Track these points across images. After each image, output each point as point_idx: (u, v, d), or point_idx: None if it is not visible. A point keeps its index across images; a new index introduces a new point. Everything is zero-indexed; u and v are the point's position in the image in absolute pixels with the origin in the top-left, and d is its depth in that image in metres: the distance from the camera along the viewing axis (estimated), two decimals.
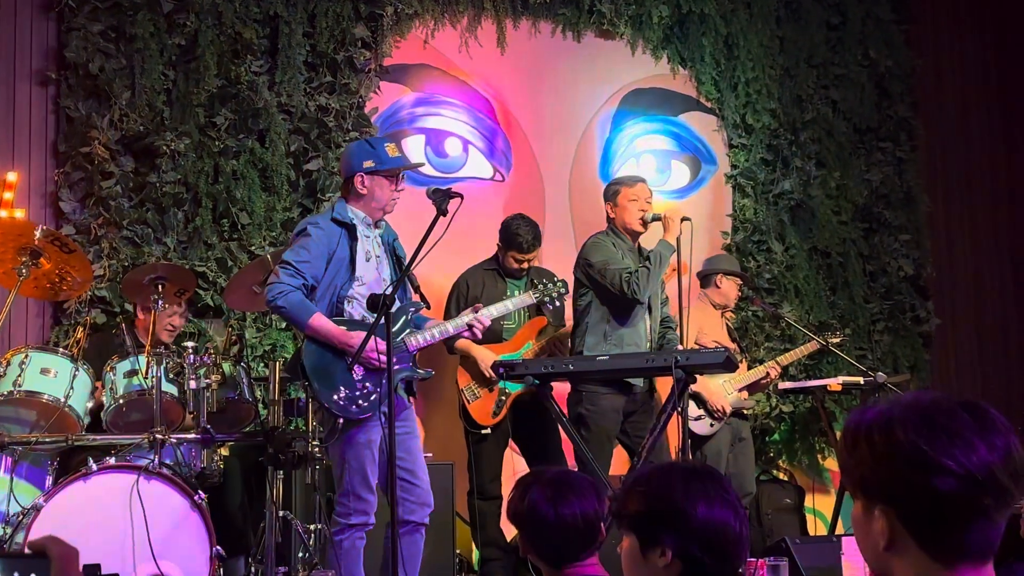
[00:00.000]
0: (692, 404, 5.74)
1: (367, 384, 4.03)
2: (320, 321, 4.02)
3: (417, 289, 4.22)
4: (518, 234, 5.53)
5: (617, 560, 2.12)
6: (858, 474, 1.39)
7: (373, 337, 3.83)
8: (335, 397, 4.01)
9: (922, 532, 1.35)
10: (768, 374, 6.06)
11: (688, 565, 1.97)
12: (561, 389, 5.82)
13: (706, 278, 6.17)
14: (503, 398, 5.45)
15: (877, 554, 1.39)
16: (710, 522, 1.97)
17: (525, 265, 5.60)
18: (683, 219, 5.09)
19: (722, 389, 5.86)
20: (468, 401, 5.45)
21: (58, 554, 1.38)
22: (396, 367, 4.00)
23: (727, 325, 6.21)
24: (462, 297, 5.57)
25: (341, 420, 4.02)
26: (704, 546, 1.96)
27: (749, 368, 6.12)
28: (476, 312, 4.32)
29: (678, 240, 5.04)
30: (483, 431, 5.43)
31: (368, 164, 4.20)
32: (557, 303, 4.94)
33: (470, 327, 4.27)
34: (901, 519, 1.36)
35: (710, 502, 1.99)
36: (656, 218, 5.16)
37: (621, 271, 5.02)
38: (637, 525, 2.02)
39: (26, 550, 1.41)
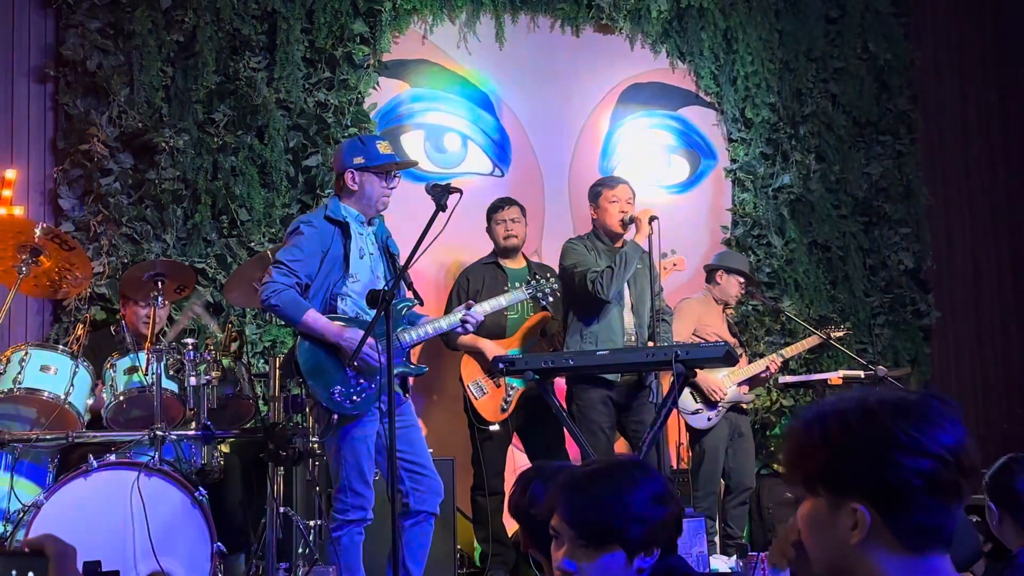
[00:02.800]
0: (690, 398, 5.74)
1: (361, 380, 4.03)
2: (314, 318, 4.02)
3: (410, 286, 4.21)
4: (495, 203, 5.71)
5: None
6: (829, 469, 1.39)
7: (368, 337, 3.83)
8: (329, 393, 4.01)
9: (901, 520, 1.36)
10: (768, 368, 6.04)
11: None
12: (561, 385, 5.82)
13: (709, 273, 6.16)
14: (511, 392, 5.44)
15: (843, 552, 1.39)
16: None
17: (504, 232, 5.63)
18: (651, 219, 5.10)
19: (721, 382, 5.83)
20: (475, 398, 5.44)
21: (56, 552, 1.38)
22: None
23: (727, 320, 6.19)
24: (463, 292, 5.58)
25: (336, 416, 4.02)
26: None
27: (750, 363, 6.10)
28: (469, 308, 4.33)
29: (649, 239, 5.06)
30: (492, 427, 5.43)
31: (358, 160, 4.20)
32: (550, 298, 4.96)
33: (463, 323, 4.28)
34: (880, 510, 1.36)
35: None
36: (632, 220, 5.20)
37: (587, 272, 5.11)
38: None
39: (24, 549, 1.41)
